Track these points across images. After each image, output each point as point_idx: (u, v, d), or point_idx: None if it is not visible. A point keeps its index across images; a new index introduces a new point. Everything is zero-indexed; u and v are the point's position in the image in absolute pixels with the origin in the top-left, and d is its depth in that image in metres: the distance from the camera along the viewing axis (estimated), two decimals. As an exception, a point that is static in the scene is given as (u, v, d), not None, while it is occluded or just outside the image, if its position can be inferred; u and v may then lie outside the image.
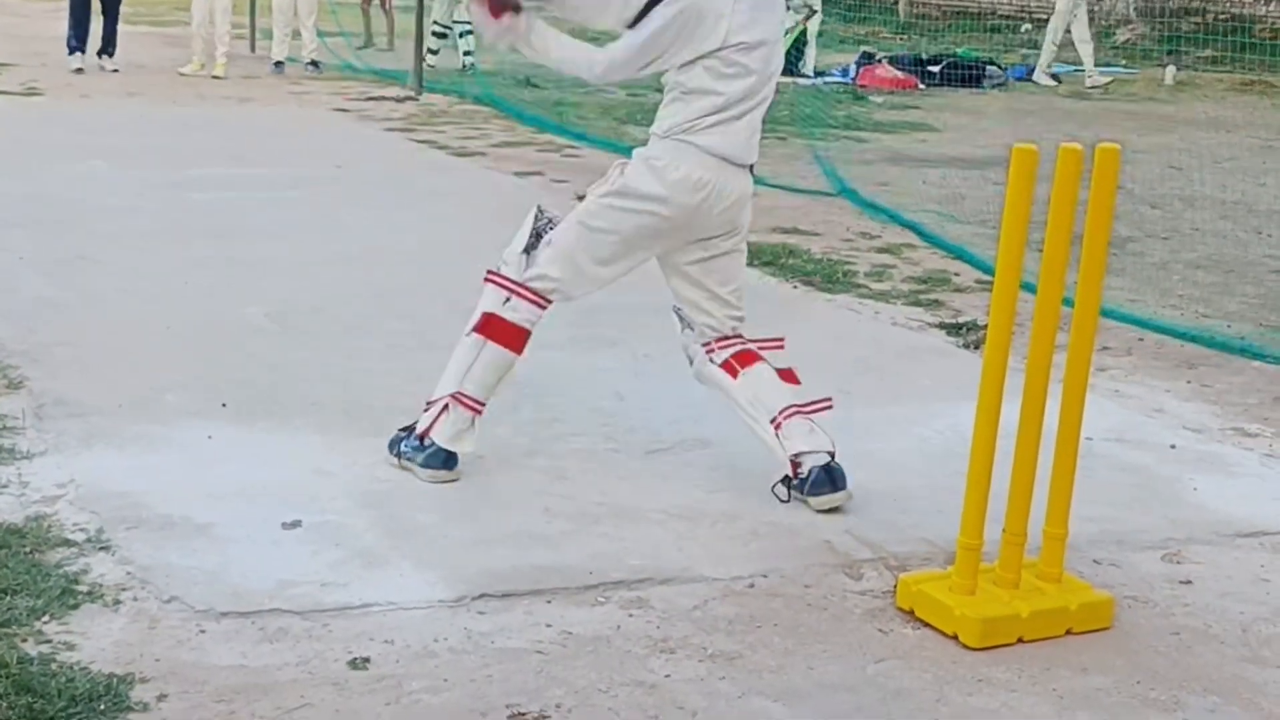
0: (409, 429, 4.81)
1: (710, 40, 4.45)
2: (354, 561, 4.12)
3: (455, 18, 17.44)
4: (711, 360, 4.76)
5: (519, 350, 4.73)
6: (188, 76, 16.27)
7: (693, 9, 4.44)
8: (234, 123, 13.08)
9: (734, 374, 4.72)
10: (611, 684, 3.52)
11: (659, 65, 4.54)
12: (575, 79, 4.70)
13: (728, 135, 4.55)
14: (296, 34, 17.13)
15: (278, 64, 17.06)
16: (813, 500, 4.59)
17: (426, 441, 4.72)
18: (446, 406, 4.71)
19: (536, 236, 4.74)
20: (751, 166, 4.68)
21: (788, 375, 4.78)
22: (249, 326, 6.45)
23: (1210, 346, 6.75)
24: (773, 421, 4.64)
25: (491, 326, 4.69)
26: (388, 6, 20.37)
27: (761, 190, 10.26)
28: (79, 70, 15.85)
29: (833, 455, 4.63)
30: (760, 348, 4.79)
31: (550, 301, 4.71)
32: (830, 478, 4.59)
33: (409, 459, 4.75)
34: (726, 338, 4.76)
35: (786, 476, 4.65)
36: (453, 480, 4.70)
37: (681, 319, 4.86)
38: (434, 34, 17.57)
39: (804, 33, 19.22)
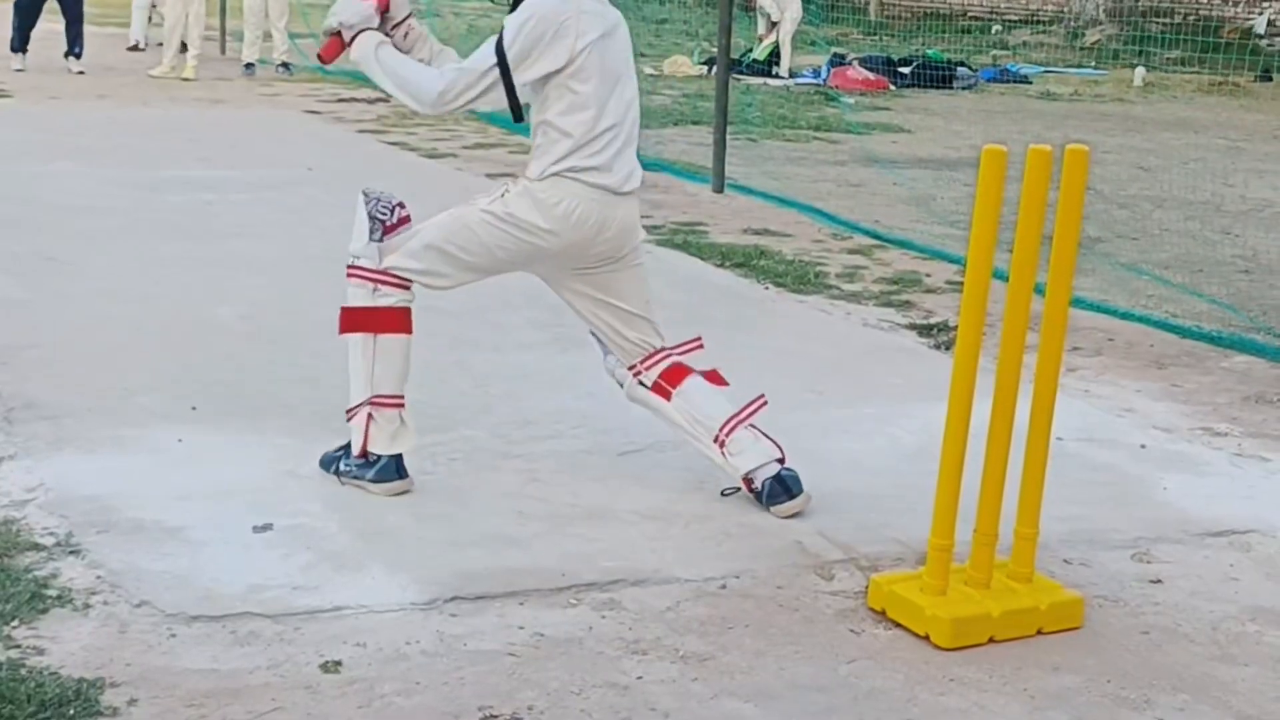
0: (344, 448, 4.71)
1: (558, 58, 4.40)
2: (325, 564, 4.11)
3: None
4: (641, 384, 4.70)
5: (407, 330, 4.64)
6: (158, 78, 16.22)
7: (541, 20, 4.40)
8: (205, 124, 13.04)
9: (666, 396, 4.67)
10: (584, 685, 3.52)
11: (497, 89, 4.44)
12: (412, 109, 4.59)
13: (612, 167, 4.51)
14: (267, 36, 17.09)
15: (249, 66, 17.02)
16: (773, 510, 4.57)
17: (371, 456, 4.63)
18: (370, 416, 4.62)
19: (374, 220, 4.62)
20: (633, 192, 4.61)
21: (713, 378, 4.74)
22: (220, 328, 6.43)
23: (1187, 337, 6.81)
24: (716, 440, 4.61)
25: (372, 319, 4.61)
26: None
27: (733, 192, 10.31)
28: (19, 70, 15.75)
29: (781, 461, 4.61)
30: (682, 353, 4.73)
31: (408, 279, 4.64)
32: (784, 486, 4.58)
33: (356, 478, 4.64)
34: (649, 355, 4.70)
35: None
36: (407, 491, 4.61)
37: (600, 342, 4.81)
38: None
39: (776, 42, 19.32)
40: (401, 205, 4.68)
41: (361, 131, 13.00)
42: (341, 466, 4.69)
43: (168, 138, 12.06)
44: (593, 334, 4.83)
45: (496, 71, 4.42)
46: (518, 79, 4.43)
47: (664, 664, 3.65)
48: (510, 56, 4.41)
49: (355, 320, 4.64)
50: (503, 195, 4.58)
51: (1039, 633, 3.90)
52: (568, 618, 3.87)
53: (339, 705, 3.39)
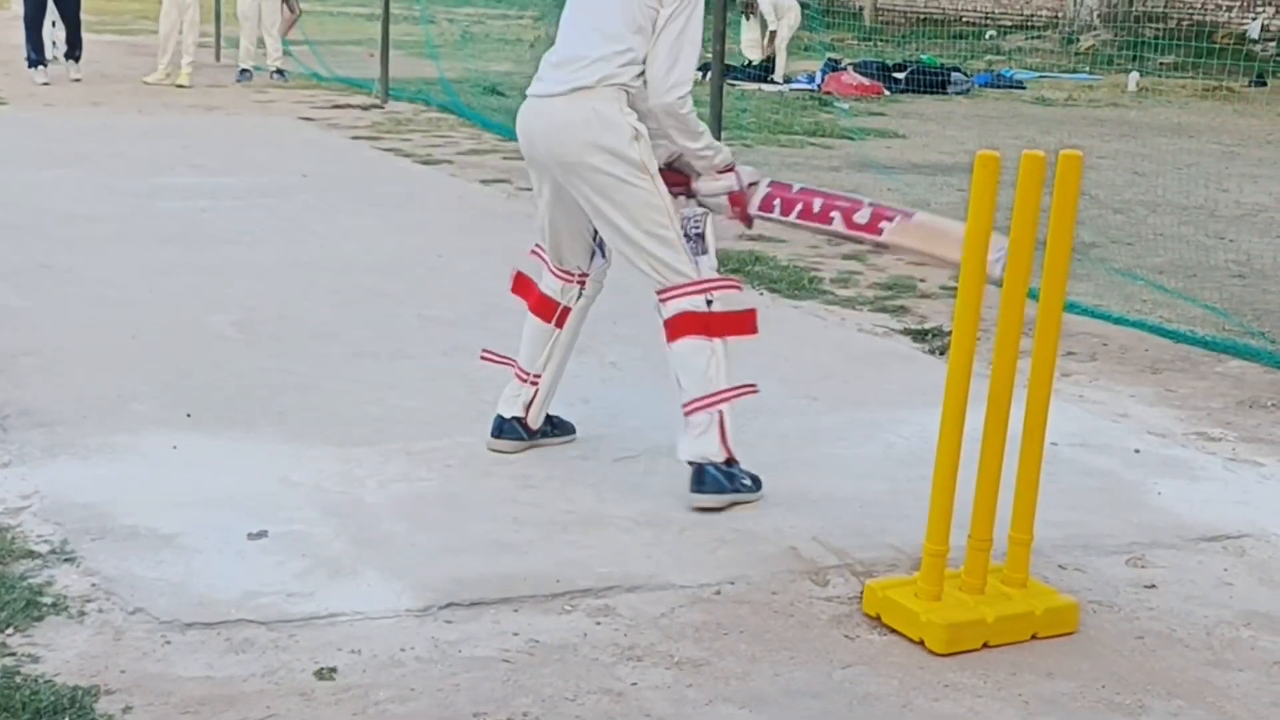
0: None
1: None
2: (320, 571, 4.11)
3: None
4: (659, 312, 4.73)
5: (546, 317, 5.02)
6: (152, 85, 16.22)
7: None
8: (199, 131, 13.05)
9: (667, 340, 4.70)
10: (578, 692, 3.52)
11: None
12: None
13: (542, 76, 4.78)
14: (261, 42, 17.10)
15: (244, 72, 17.03)
16: (691, 500, 4.64)
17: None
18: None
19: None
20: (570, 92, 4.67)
21: (735, 325, 4.74)
22: (215, 335, 6.43)
23: (1181, 341, 6.82)
24: (683, 408, 4.66)
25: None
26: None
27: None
28: (45, 84, 15.77)
29: (714, 462, 4.62)
30: (703, 290, 4.68)
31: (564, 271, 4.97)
32: (699, 480, 4.63)
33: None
34: (666, 289, 4.67)
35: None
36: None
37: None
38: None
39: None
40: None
41: (356, 138, 13.01)
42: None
43: (163, 144, 12.06)
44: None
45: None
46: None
47: (659, 670, 3.65)
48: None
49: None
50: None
51: (1034, 638, 3.89)
52: (562, 624, 3.87)
53: (334, 712, 3.39)
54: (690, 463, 4.65)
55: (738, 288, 4.90)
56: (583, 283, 4.98)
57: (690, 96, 4.69)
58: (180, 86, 16.16)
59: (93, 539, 4.24)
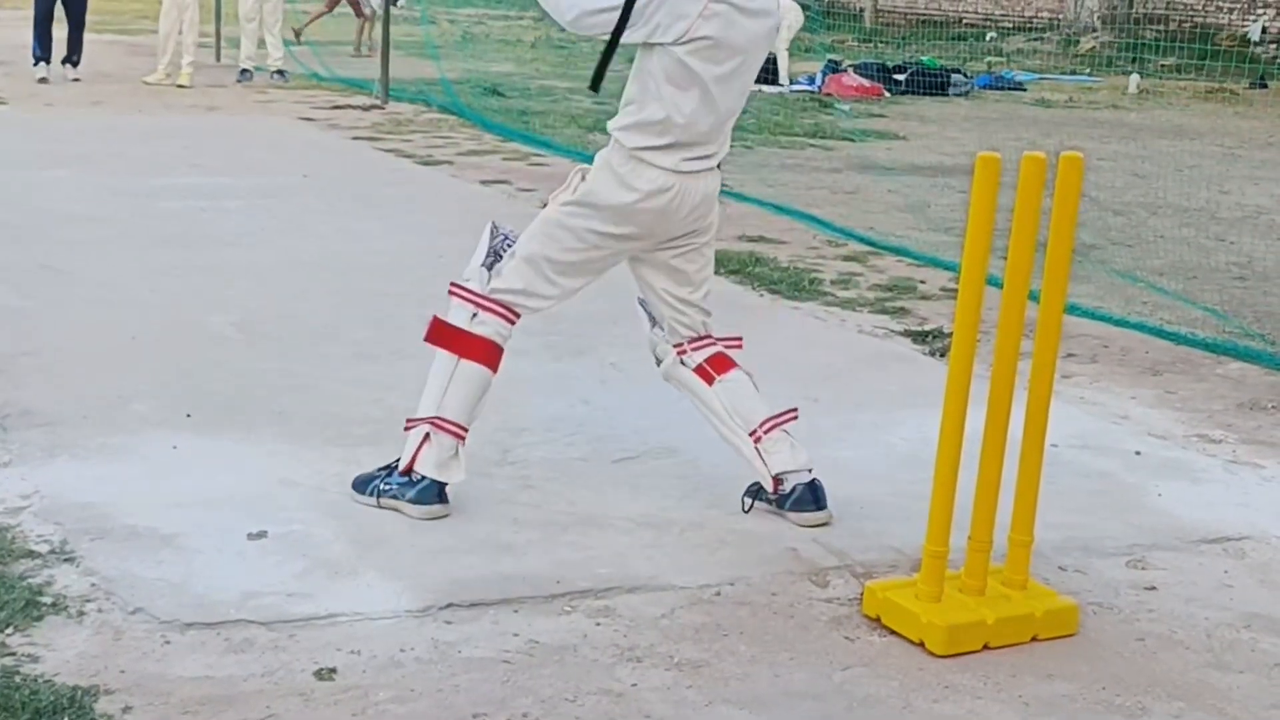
0: (387, 468, 4.62)
1: (672, 30, 4.27)
2: (320, 572, 4.11)
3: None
4: (684, 363, 4.68)
5: (493, 367, 4.58)
6: (152, 85, 16.22)
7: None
8: (200, 131, 13.04)
9: (709, 380, 4.64)
10: (578, 693, 3.52)
11: (629, 31, 4.32)
12: (551, 19, 4.52)
13: (689, 151, 4.44)
14: (262, 43, 17.09)
15: (244, 72, 17.03)
16: (793, 516, 4.57)
17: (415, 476, 4.54)
18: (428, 436, 4.54)
19: (494, 255, 4.63)
20: (719, 164, 4.58)
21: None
22: (215, 335, 6.43)
23: (1182, 343, 6.82)
24: (752, 435, 4.59)
25: (462, 342, 4.55)
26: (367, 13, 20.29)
27: (728, 199, 10.30)
28: (43, 80, 15.79)
29: (811, 472, 4.62)
30: (726, 346, 4.72)
31: (517, 315, 4.59)
32: (814, 496, 4.58)
33: (393, 497, 4.54)
34: (699, 338, 4.68)
35: (757, 488, 4.63)
36: (445, 516, 4.52)
37: (649, 315, 4.79)
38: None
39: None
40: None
41: (356, 139, 13.00)
42: (381, 486, 4.58)
43: (163, 145, 12.05)
44: (642, 304, 4.82)
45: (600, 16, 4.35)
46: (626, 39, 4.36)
47: (658, 671, 3.65)
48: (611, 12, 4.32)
49: (446, 336, 4.58)
50: (582, 179, 4.51)
51: (1034, 640, 3.90)
52: (562, 625, 3.87)
53: (333, 713, 3.39)
54: (787, 477, 4.62)
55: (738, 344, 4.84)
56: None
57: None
58: (181, 87, 16.15)
59: (92, 539, 4.24)
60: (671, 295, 4.64)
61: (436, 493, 4.53)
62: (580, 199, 4.48)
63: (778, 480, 4.58)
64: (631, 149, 4.41)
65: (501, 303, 4.56)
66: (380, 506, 4.56)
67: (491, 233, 4.68)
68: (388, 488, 4.57)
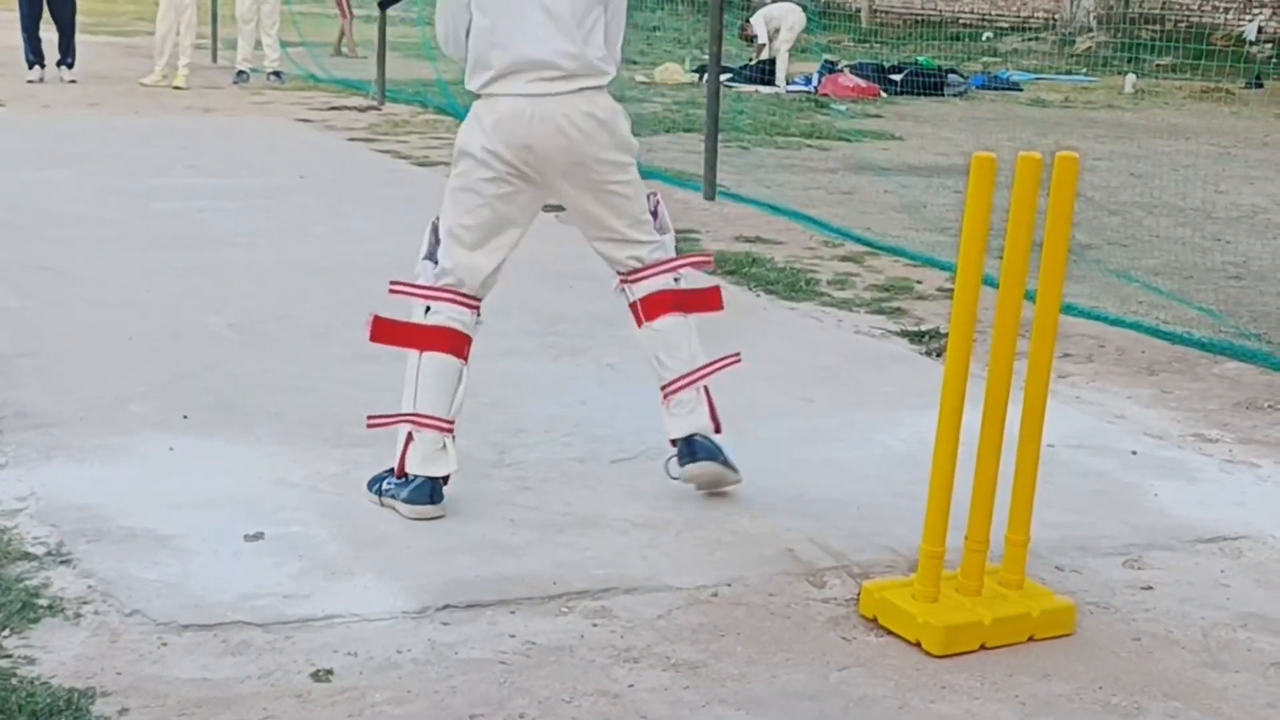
0: (715, 432, 4.69)
1: None
2: (316, 573, 4.11)
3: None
4: (623, 293, 4.71)
5: (458, 354, 4.55)
6: (149, 87, 16.22)
7: None
8: (196, 133, 13.04)
9: (639, 322, 4.68)
10: (575, 694, 3.52)
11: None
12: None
13: (522, 78, 4.51)
14: (259, 44, 17.09)
15: (240, 74, 17.02)
16: (679, 472, 4.63)
17: (408, 476, 4.53)
18: (410, 435, 4.55)
19: (435, 244, 4.64)
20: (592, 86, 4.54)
21: (704, 301, 4.80)
22: (212, 336, 6.43)
23: (1178, 343, 6.83)
24: (663, 390, 4.66)
25: (417, 336, 4.56)
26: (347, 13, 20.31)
27: (724, 200, 10.31)
28: (37, 81, 15.79)
29: (702, 435, 4.63)
30: (671, 269, 4.71)
31: (472, 298, 4.57)
32: (690, 449, 4.62)
33: (391, 496, 4.54)
34: (634, 271, 4.67)
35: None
36: (438, 516, 4.50)
37: None
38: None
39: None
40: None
41: (353, 140, 13.00)
42: (383, 486, 4.59)
43: (159, 146, 12.06)
44: None
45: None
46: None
47: (655, 672, 3.65)
48: None
49: (399, 334, 4.61)
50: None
51: (1030, 639, 3.90)
52: (559, 626, 3.87)
53: (330, 714, 3.39)
54: (675, 441, 4.65)
55: (706, 262, 4.95)
56: (479, 310, 4.66)
57: None
58: (177, 88, 16.15)
59: (89, 541, 4.24)
60: (595, 236, 4.68)
61: (428, 492, 4.52)
62: (457, 156, 4.58)
63: (672, 443, 4.65)
64: (478, 91, 4.56)
65: (445, 287, 4.57)
66: (382, 505, 4.58)
67: (433, 229, 4.68)
68: (388, 487, 4.59)
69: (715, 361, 4.73)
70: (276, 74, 17.10)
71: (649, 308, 4.67)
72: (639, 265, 4.68)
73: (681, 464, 4.67)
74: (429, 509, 4.52)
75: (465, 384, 4.62)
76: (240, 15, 17.02)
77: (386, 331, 4.64)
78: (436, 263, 4.62)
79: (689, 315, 4.72)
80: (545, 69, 4.50)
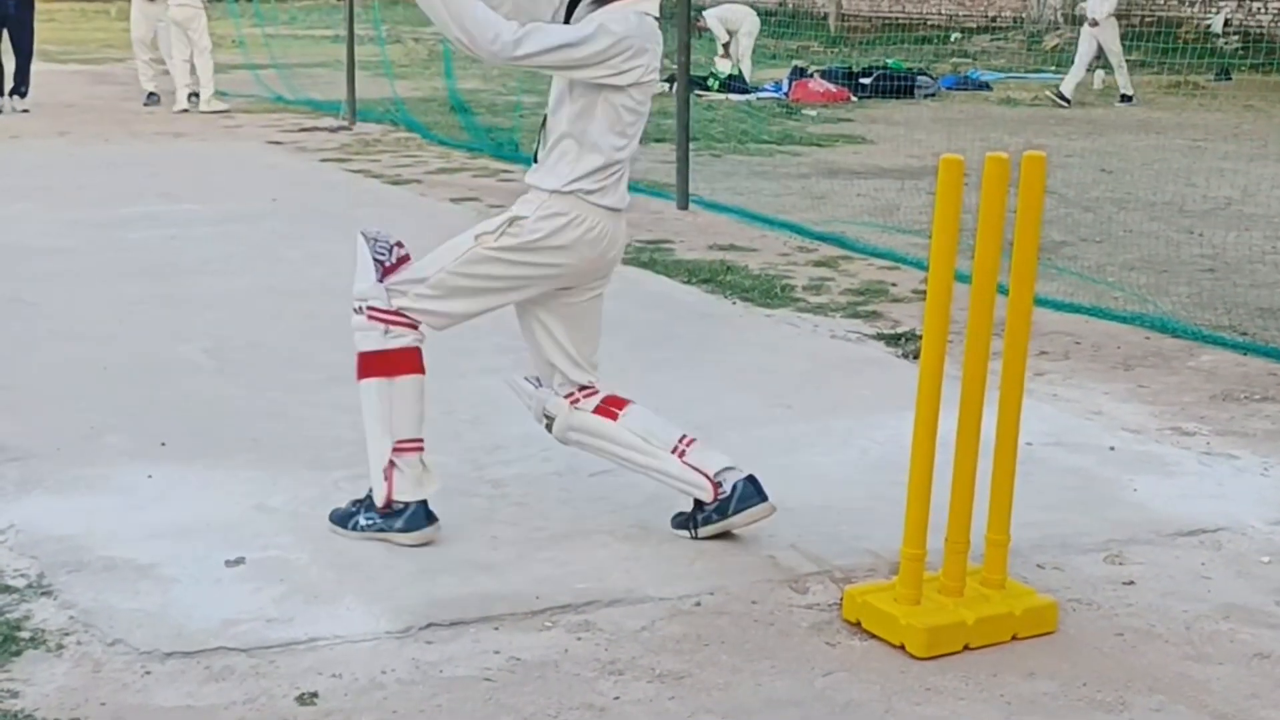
0: (357, 503, 4.55)
1: (628, 74, 4.29)
2: (298, 596, 4.10)
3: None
4: (579, 409, 4.58)
5: (422, 369, 4.54)
6: (160, 114, 16.21)
7: (631, 42, 4.26)
8: (166, 159, 13.02)
9: (613, 416, 4.56)
10: (561, 708, 3.52)
11: (568, 75, 4.33)
12: (460, 44, 4.25)
13: (618, 189, 4.45)
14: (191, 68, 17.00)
15: (151, 95, 17.06)
16: (741, 519, 4.45)
17: (396, 505, 4.47)
18: (393, 465, 4.48)
19: (377, 263, 4.53)
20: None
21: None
22: (186, 364, 6.41)
23: (1154, 329, 6.87)
24: (675, 451, 4.50)
25: (388, 362, 4.49)
26: None
27: (698, 208, 10.32)
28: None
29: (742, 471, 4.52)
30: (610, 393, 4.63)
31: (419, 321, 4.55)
32: (756, 489, 4.46)
33: (379, 530, 4.47)
34: (586, 388, 4.60)
35: (687, 516, 4.54)
36: (436, 536, 4.47)
37: (530, 381, 4.70)
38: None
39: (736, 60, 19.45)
40: (400, 244, 4.56)
41: (324, 160, 12.99)
42: (362, 522, 4.51)
43: (129, 173, 12.03)
44: (525, 377, 4.74)
45: (571, 60, 4.26)
46: (580, 75, 4.30)
47: (640, 684, 3.65)
48: (586, 52, 4.24)
49: (371, 365, 4.51)
50: (511, 224, 4.41)
51: (1014, 638, 3.90)
52: (543, 641, 3.86)
53: (316, 738, 3.38)
54: (732, 469, 4.52)
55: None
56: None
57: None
58: (206, 112, 16.21)
59: (69, 571, 4.23)
60: (570, 342, 4.57)
61: (423, 515, 4.49)
62: (517, 244, 4.39)
63: (717, 484, 4.47)
64: (579, 195, 4.37)
65: (408, 318, 4.50)
66: (369, 539, 4.49)
67: (364, 242, 4.58)
68: (370, 522, 4.51)
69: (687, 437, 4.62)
70: (195, 95, 16.94)
71: (614, 403, 4.58)
72: (590, 381, 4.63)
73: (748, 505, 4.46)
74: (429, 531, 4.48)
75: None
76: (136, 39, 16.91)
77: (369, 365, 4.53)
78: (384, 286, 4.51)
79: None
80: (623, 182, 4.51)
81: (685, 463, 4.49)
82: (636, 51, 4.30)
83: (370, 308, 4.50)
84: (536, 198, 4.42)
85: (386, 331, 4.49)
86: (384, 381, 4.50)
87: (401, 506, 4.49)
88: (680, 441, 4.52)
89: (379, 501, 4.49)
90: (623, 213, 4.51)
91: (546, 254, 4.41)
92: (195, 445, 5.32)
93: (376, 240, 4.56)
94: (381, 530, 4.49)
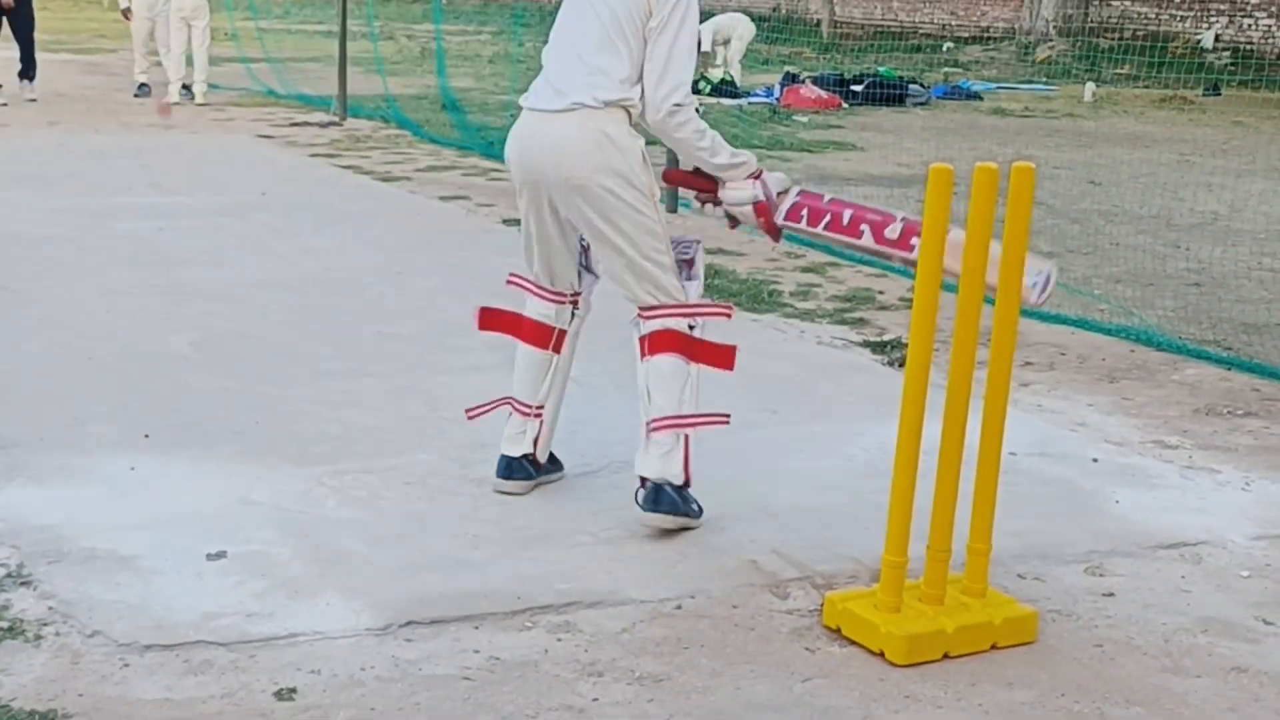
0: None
1: None
2: (279, 591, 4.09)
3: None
4: (636, 327, 4.65)
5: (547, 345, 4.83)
6: (151, 105, 16.18)
7: None
8: (157, 150, 13.00)
9: (642, 355, 4.63)
10: (539, 709, 3.52)
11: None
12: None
13: (535, 90, 4.64)
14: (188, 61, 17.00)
15: (142, 87, 17.03)
16: (643, 517, 4.58)
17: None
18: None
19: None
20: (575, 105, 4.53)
21: (716, 357, 4.69)
22: (172, 355, 6.40)
23: (1139, 342, 6.88)
24: (646, 424, 4.59)
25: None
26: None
27: (686, 212, 10.33)
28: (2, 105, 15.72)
29: (671, 484, 4.55)
30: (690, 314, 4.62)
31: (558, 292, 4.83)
32: (655, 498, 4.55)
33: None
34: (651, 307, 4.61)
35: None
36: (517, 492, 4.83)
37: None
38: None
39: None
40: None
41: (315, 155, 12.98)
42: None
43: (120, 164, 12.01)
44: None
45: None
46: None
47: (620, 685, 3.65)
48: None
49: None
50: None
51: (993, 648, 3.91)
52: (523, 641, 3.86)
53: (294, 733, 3.38)
54: (646, 479, 4.62)
55: (726, 314, 4.81)
56: (575, 303, 4.84)
57: (689, 107, 4.53)
58: (200, 105, 16.20)
59: (50, 562, 4.22)
60: (609, 269, 4.68)
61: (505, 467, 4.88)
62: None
63: (642, 479, 4.59)
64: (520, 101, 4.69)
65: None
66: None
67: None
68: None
69: (705, 415, 4.65)
70: (187, 88, 16.92)
71: (655, 343, 4.60)
72: (653, 301, 4.62)
73: (644, 507, 4.57)
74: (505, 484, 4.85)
75: (554, 372, 4.86)
76: (171, 39, 16.89)
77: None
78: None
79: (693, 364, 4.63)
80: (551, 88, 4.58)
81: (644, 443, 4.62)
82: None
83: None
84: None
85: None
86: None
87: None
88: (655, 422, 4.58)
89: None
90: (550, 112, 4.57)
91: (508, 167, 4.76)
92: (180, 437, 5.31)
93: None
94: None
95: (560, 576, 4.25)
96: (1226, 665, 3.88)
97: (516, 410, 4.86)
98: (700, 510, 4.65)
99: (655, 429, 4.59)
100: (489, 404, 4.96)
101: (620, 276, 4.63)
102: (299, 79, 18.19)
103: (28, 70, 16.26)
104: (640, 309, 4.64)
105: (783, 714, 3.55)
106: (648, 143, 4.60)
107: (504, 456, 4.86)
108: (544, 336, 4.81)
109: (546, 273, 4.78)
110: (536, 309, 4.81)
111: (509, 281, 4.88)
